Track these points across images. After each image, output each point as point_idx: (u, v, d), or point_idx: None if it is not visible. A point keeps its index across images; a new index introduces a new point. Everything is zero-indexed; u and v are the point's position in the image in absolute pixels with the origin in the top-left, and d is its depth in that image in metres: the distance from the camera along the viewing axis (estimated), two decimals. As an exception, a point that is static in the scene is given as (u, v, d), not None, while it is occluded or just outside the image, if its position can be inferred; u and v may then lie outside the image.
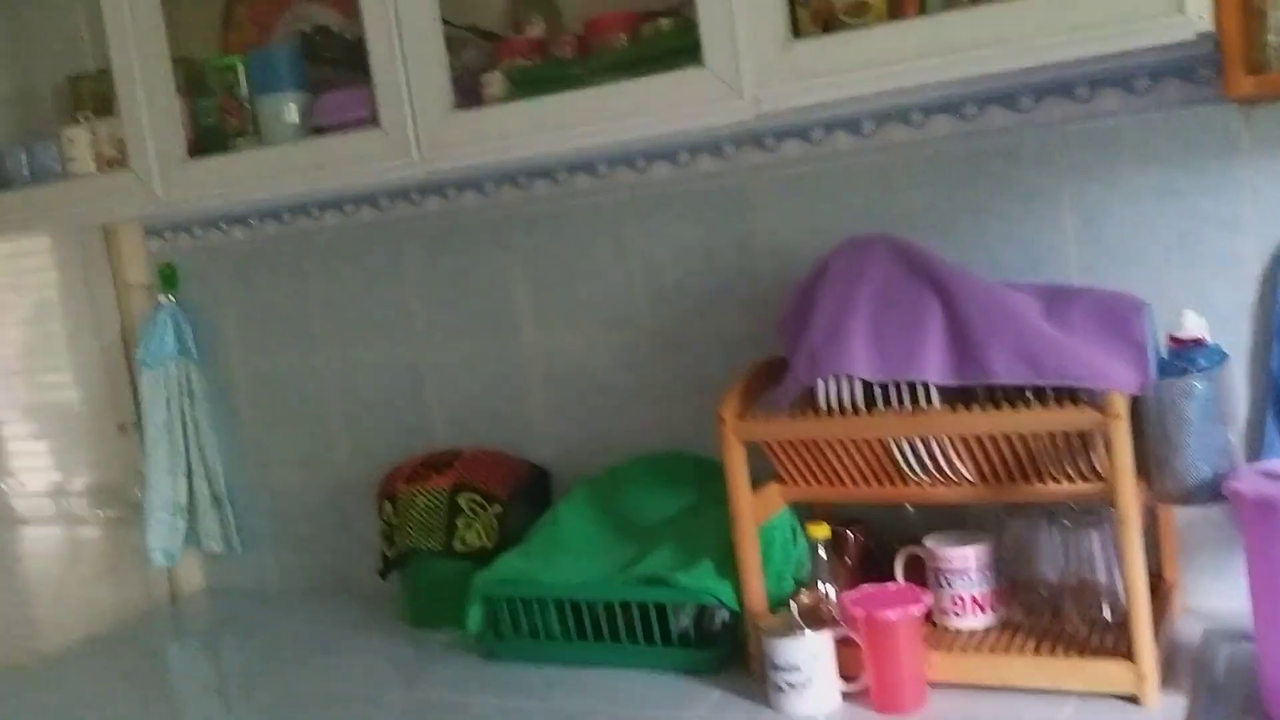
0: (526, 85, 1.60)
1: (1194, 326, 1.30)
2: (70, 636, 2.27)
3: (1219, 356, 1.29)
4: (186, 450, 2.20)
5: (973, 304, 1.37)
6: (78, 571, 2.54)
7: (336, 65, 1.74)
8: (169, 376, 2.19)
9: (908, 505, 1.52)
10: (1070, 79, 1.50)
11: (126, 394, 2.32)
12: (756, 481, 1.50)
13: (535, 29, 1.73)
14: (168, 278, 2.21)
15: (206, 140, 1.81)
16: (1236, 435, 1.34)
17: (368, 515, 2.02)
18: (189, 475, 2.21)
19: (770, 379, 1.55)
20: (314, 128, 1.72)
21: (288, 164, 1.71)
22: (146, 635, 2.17)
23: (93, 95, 2.01)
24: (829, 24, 1.42)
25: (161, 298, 2.21)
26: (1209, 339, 1.30)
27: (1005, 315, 1.36)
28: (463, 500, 1.84)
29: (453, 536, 1.83)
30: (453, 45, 1.63)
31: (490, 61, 1.70)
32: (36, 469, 2.56)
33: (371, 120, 1.63)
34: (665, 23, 1.59)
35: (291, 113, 1.72)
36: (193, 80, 1.86)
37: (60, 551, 2.57)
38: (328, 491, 2.17)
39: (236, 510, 2.24)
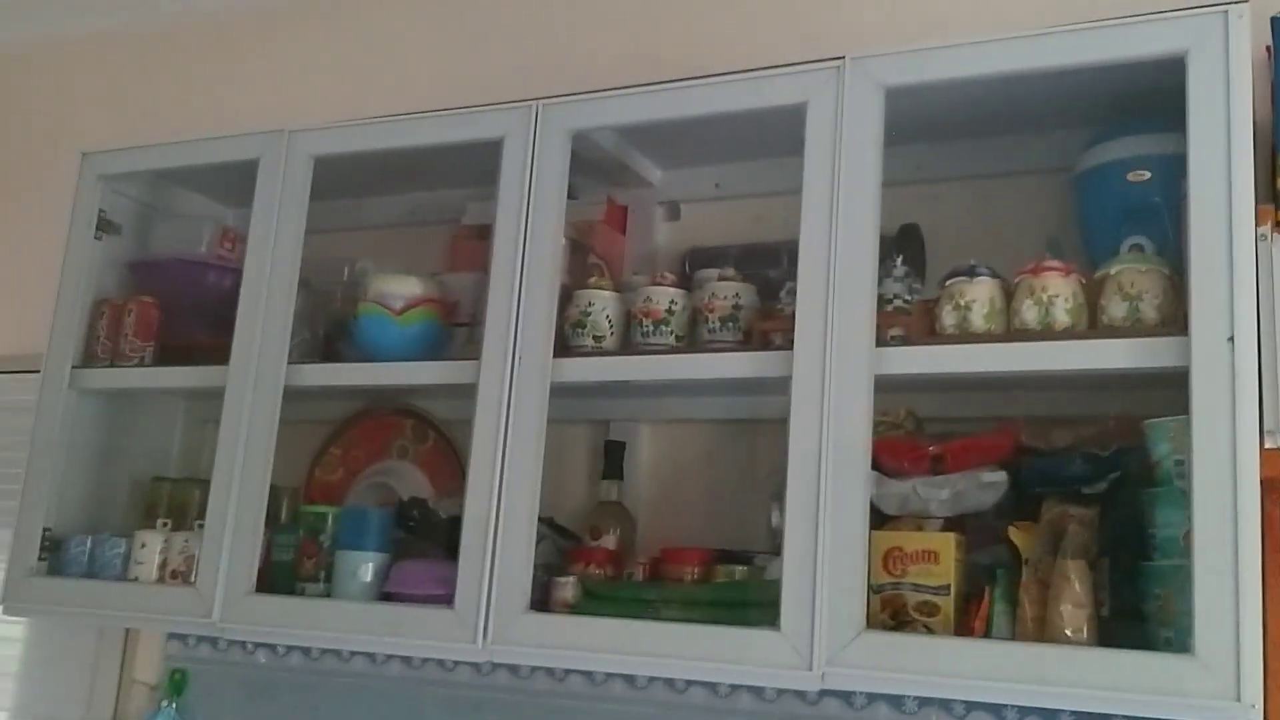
0: (600, 600, 1.67)
1: None
2: None
3: None
4: None
5: None
6: None
7: (422, 537, 1.81)
8: (143, 786, 2.11)
9: None
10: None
11: (91, 791, 2.23)
12: None
13: (610, 539, 1.84)
14: (177, 684, 2.18)
15: (276, 575, 1.84)
16: None
17: None
18: None
19: None
20: (384, 593, 1.76)
21: (353, 623, 1.74)
22: None
23: (170, 500, 2.08)
24: (898, 614, 1.52)
25: (164, 702, 2.17)
26: None
27: None
28: None
29: None
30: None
31: (565, 561, 1.79)
32: None
33: (445, 600, 1.67)
34: (739, 570, 1.69)
35: (367, 572, 1.77)
36: (273, 509, 1.91)
37: None
38: None
39: None
